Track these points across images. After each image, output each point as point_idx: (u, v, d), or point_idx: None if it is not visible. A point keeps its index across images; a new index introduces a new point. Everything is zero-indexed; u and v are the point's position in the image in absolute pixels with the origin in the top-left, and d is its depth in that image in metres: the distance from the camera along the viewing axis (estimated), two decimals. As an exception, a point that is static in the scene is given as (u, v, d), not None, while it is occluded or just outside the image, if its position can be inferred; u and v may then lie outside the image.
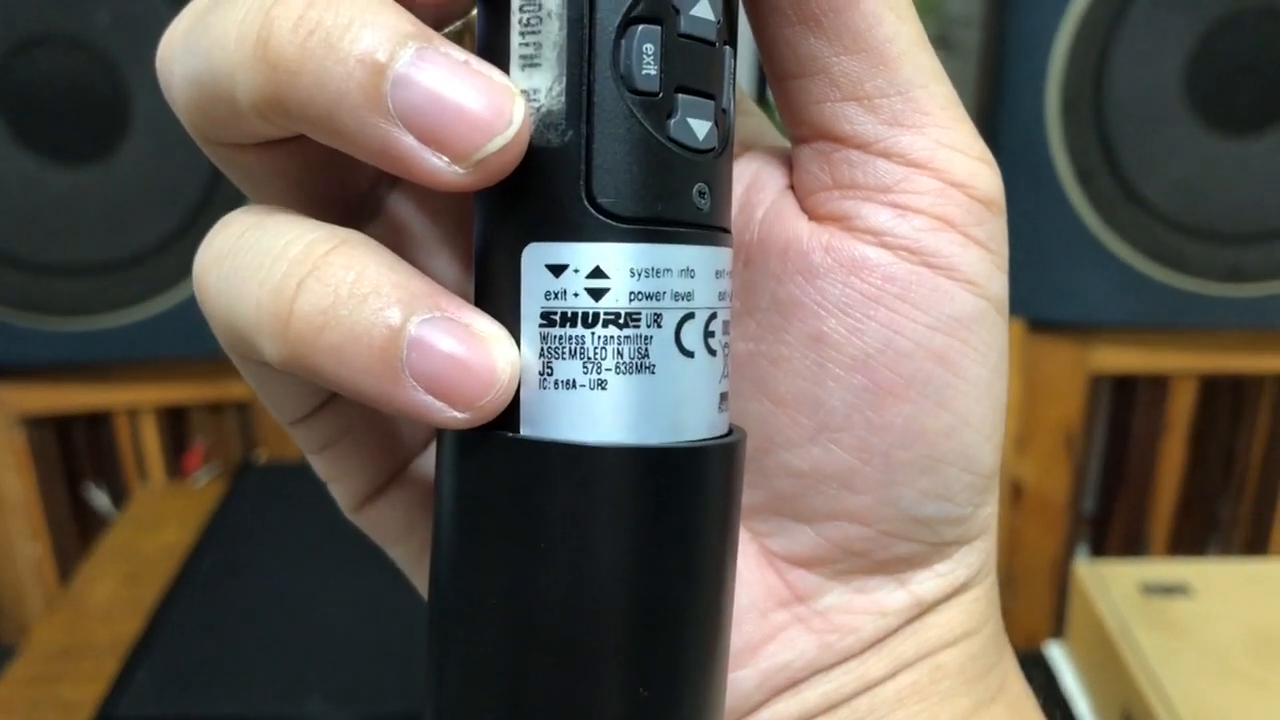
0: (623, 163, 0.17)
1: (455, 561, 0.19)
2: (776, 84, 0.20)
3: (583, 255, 0.17)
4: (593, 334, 0.17)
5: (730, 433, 0.19)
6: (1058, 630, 0.96)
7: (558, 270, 0.17)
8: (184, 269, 0.92)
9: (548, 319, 0.18)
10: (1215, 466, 1.12)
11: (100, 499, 1.06)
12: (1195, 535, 1.15)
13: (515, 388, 0.18)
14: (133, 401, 1.02)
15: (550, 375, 0.18)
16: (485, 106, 0.16)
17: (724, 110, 0.18)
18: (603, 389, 0.18)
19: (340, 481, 0.22)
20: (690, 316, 0.18)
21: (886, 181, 0.19)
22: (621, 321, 0.17)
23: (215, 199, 0.91)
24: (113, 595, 0.82)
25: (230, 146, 0.19)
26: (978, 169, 0.20)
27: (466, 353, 0.17)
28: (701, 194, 0.18)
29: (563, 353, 0.18)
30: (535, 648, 0.18)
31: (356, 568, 0.70)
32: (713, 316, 0.18)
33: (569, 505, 0.18)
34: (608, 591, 0.18)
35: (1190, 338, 1.03)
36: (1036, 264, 0.99)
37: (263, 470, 0.97)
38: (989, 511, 0.22)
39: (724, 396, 0.19)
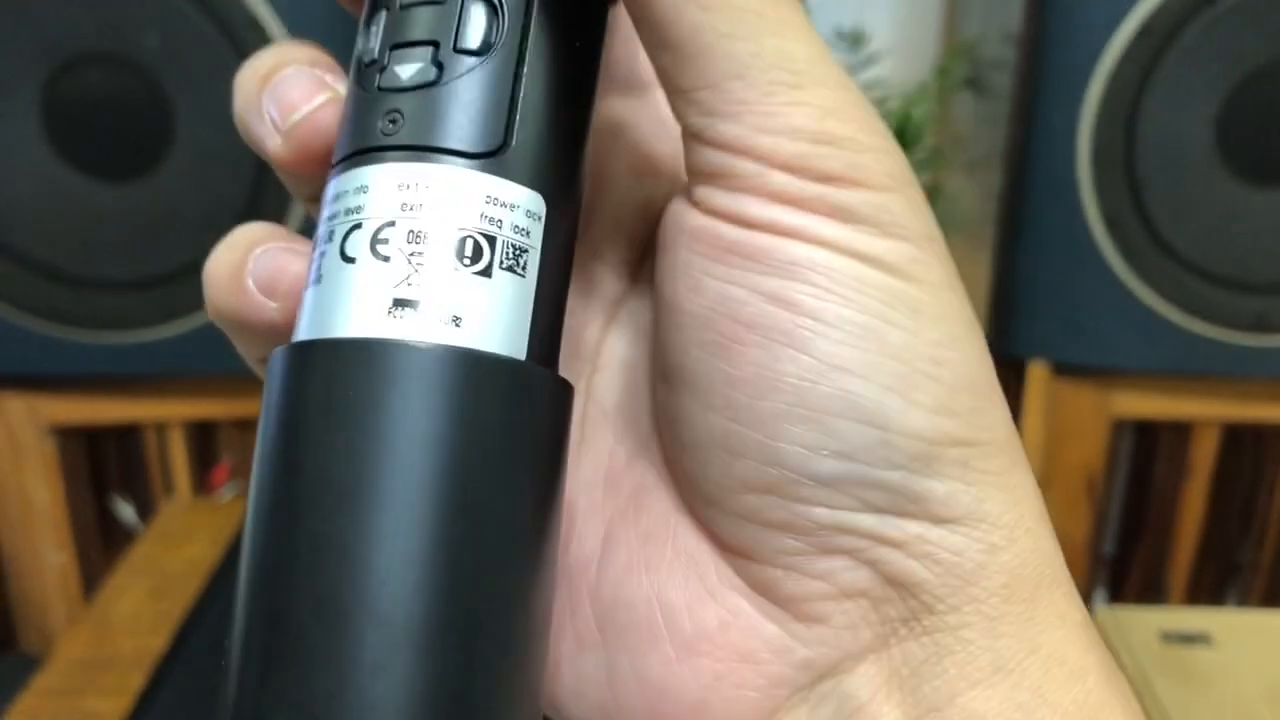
0: (343, 118, 0.21)
1: None
2: None
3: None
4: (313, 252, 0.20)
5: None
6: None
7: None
8: (218, 287, 0.93)
9: None
10: (1236, 515, 1.12)
11: (126, 511, 1.06)
12: (1214, 583, 1.14)
13: None
14: (161, 416, 1.03)
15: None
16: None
17: (457, 49, 0.20)
18: (305, 298, 0.20)
19: None
20: (357, 227, 0.19)
21: (712, 168, 0.20)
22: (317, 240, 0.20)
23: (253, 219, 0.92)
24: (138, 609, 0.82)
25: None
26: (809, 151, 0.20)
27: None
28: (392, 120, 0.19)
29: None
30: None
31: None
32: (388, 225, 0.19)
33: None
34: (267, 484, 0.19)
35: (1214, 386, 1.03)
36: (1062, 308, 0.99)
37: (289, 488, 0.97)
38: (947, 490, 0.20)
39: (399, 302, 0.19)
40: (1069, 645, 0.21)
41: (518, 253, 0.19)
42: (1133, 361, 1.00)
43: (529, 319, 0.19)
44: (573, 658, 0.23)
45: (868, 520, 0.20)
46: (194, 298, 0.94)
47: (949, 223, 1.21)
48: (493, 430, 0.18)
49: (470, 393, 0.18)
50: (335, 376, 0.18)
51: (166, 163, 0.91)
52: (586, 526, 0.23)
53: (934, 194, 1.25)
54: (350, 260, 0.19)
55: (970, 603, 0.20)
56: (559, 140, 0.20)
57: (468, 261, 0.19)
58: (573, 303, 0.22)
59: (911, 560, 0.20)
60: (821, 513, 0.20)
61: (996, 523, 0.20)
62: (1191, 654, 0.78)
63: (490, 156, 0.19)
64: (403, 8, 0.20)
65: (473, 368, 0.18)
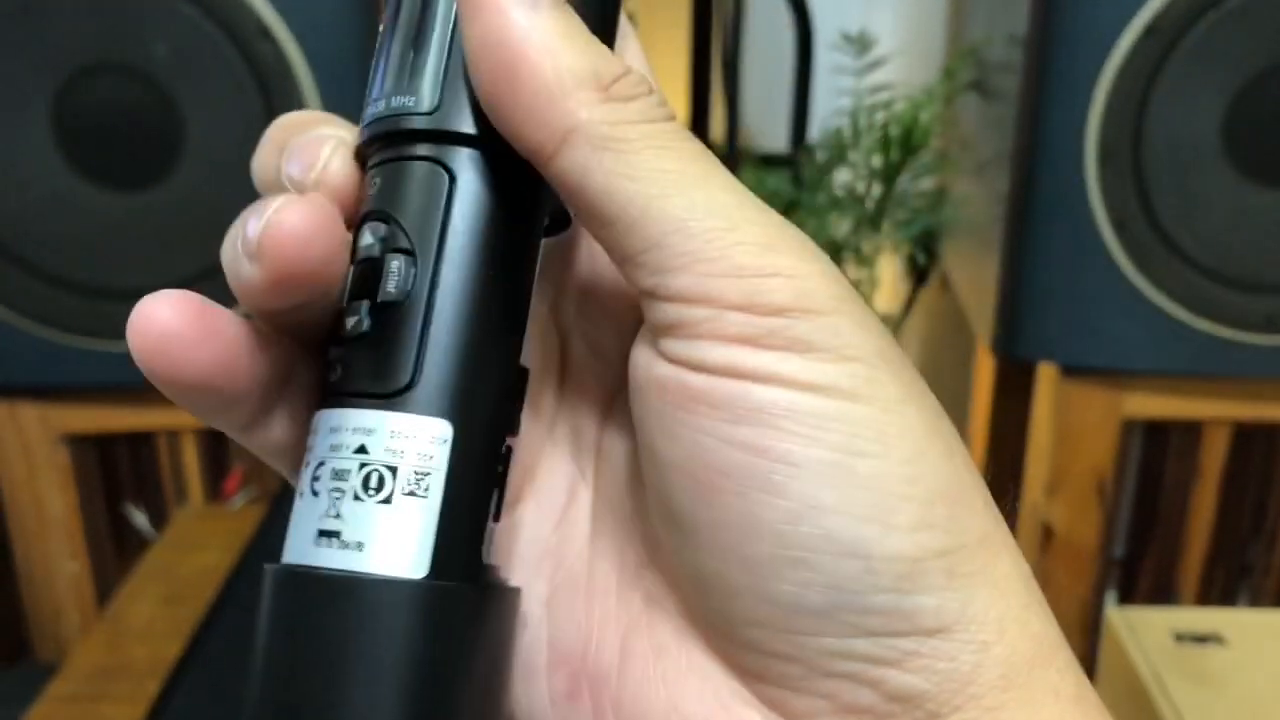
0: None
1: None
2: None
3: None
4: None
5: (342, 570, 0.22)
6: (1086, 674, 0.96)
7: None
8: (228, 296, 0.94)
9: None
10: (1247, 515, 1.12)
11: (139, 519, 1.07)
12: (1226, 583, 1.14)
13: None
14: (174, 424, 1.04)
15: None
16: None
17: (383, 300, 0.22)
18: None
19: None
20: (306, 465, 0.22)
21: (671, 320, 0.21)
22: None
23: (263, 228, 0.92)
24: (152, 616, 0.83)
25: None
26: (756, 286, 0.21)
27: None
28: (333, 370, 0.23)
29: None
30: None
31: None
32: (321, 464, 0.22)
33: None
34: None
35: (1224, 386, 1.03)
36: (1071, 309, 0.99)
37: (300, 495, 0.98)
38: (936, 602, 0.21)
39: (323, 533, 0.22)
40: (1064, 718, 0.22)
41: (419, 477, 0.22)
42: (1142, 362, 1.00)
43: (432, 537, 0.22)
44: None
45: (863, 644, 0.21)
46: (205, 306, 0.95)
47: (956, 226, 1.21)
48: (381, 647, 0.21)
49: (359, 612, 0.21)
50: (273, 599, 0.22)
51: (177, 172, 0.91)
52: (604, 634, 0.24)
53: (941, 197, 1.25)
54: (300, 495, 0.22)
55: (970, 700, 0.21)
56: (469, 368, 0.22)
57: (372, 492, 0.22)
58: (570, 406, 0.26)
59: (909, 675, 0.21)
60: (818, 642, 0.21)
61: (984, 620, 0.21)
62: (1204, 654, 0.78)
63: (397, 395, 0.22)
64: (354, 264, 0.23)
65: (364, 591, 0.21)
